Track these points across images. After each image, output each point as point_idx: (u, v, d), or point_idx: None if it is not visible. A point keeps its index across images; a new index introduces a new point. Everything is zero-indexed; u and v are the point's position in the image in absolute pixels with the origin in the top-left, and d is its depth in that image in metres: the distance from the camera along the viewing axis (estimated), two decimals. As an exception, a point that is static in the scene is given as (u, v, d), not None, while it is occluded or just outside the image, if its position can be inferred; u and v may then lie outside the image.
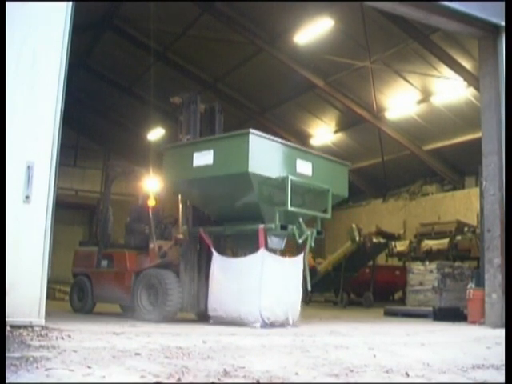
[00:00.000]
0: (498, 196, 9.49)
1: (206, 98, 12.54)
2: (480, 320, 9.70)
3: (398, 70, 17.57)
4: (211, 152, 8.17)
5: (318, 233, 9.00)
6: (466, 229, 17.29)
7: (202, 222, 9.17)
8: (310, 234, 8.74)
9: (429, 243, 18.09)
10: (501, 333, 7.53)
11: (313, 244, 8.85)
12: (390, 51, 16.57)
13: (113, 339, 5.39)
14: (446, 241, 17.50)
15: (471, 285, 10.68)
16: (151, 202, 10.40)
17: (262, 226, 8.26)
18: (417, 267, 13.71)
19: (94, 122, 27.65)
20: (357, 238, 17.07)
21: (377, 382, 3.69)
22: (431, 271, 13.03)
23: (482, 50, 10.40)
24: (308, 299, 17.50)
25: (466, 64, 15.82)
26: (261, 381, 3.46)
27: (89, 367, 3.62)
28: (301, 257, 8.92)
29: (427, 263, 13.83)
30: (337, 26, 15.76)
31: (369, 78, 18.03)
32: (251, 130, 7.89)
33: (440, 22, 10.25)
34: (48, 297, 6.57)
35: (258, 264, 8.21)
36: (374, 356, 4.83)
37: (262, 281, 8.16)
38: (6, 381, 3.05)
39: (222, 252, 8.91)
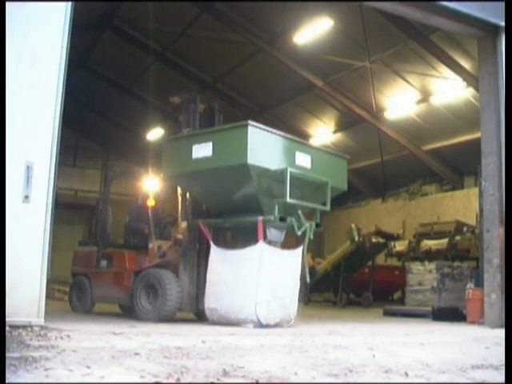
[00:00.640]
0: (497, 196, 9.49)
1: (206, 97, 12.56)
2: (479, 320, 9.70)
3: (398, 70, 17.58)
4: (210, 144, 8.18)
5: (317, 225, 9.00)
6: (465, 229, 17.28)
7: (201, 215, 9.17)
8: (309, 226, 8.74)
9: (428, 243, 18.08)
10: (500, 333, 7.54)
11: (312, 236, 8.83)
12: (390, 51, 16.57)
13: (112, 339, 5.39)
14: (445, 241, 17.50)
15: (470, 285, 10.68)
16: (150, 202, 10.40)
17: (260, 218, 8.27)
18: (416, 267, 13.71)
19: (93, 122, 27.65)
20: (356, 238, 17.09)
21: (376, 382, 3.69)
22: (430, 271, 13.03)
23: (481, 50, 10.40)
24: (307, 299, 17.51)
25: (466, 64, 15.82)
26: (260, 381, 3.46)
27: (88, 367, 3.62)
28: (300, 249, 8.91)
29: (426, 263, 13.83)
30: (336, 26, 15.76)
31: (368, 78, 18.03)
32: (250, 122, 7.92)
33: (439, 22, 10.25)
34: (47, 297, 6.56)
35: (256, 256, 8.22)
36: (374, 356, 4.83)
37: (259, 273, 8.16)
38: (6, 381, 3.05)
39: (221, 245, 8.90)
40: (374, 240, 17.51)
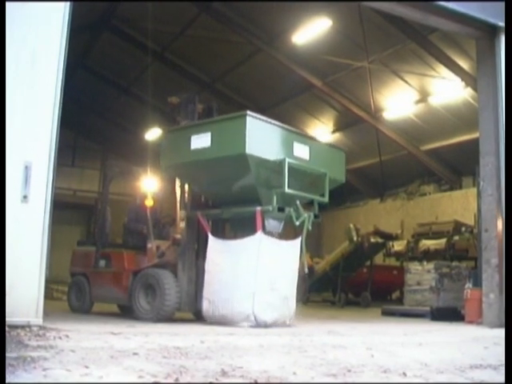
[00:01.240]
0: (495, 196, 9.50)
1: (204, 97, 12.55)
2: (477, 320, 9.71)
3: (396, 70, 17.59)
4: (209, 135, 8.20)
5: (316, 216, 9.01)
6: (463, 229, 17.30)
7: (199, 207, 9.18)
8: (307, 217, 8.75)
9: (426, 243, 18.10)
10: (498, 333, 7.55)
11: (310, 227, 8.84)
12: (388, 51, 16.58)
13: (110, 339, 5.39)
14: (443, 241, 17.51)
15: (469, 285, 10.69)
16: (149, 202, 10.40)
17: (259, 208, 8.28)
18: (414, 267, 13.73)
19: (92, 121, 27.62)
20: (354, 238, 17.11)
21: (374, 382, 3.70)
22: (429, 271, 13.05)
23: (479, 50, 10.41)
24: (306, 299, 17.54)
25: (464, 64, 15.84)
26: (259, 381, 3.46)
27: (86, 367, 3.62)
28: (298, 240, 8.90)
29: (425, 263, 13.85)
30: (335, 27, 15.76)
31: (367, 78, 18.04)
32: (248, 112, 7.94)
33: (438, 22, 10.26)
34: (46, 296, 6.56)
35: (255, 246, 8.22)
36: (372, 356, 4.83)
37: (258, 264, 8.17)
38: (5, 381, 3.05)
39: (219, 237, 8.89)
40: (372, 240, 17.53)
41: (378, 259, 19.37)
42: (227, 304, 8.20)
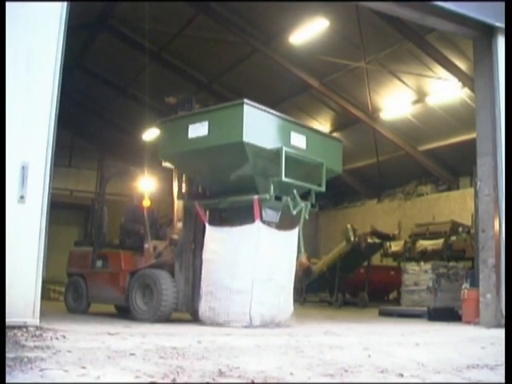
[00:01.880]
0: (492, 196, 9.51)
1: (201, 98, 12.56)
2: (474, 320, 9.72)
3: (393, 71, 17.59)
4: (206, 123, 8.22)
5: (312, 206, 9.02)
6: (460, 229, 17.32)
7: (197, 197, 9.18)
8: (304, 206, 8.75)
9: (423, 243, 18.11)
10: (495, 333, 7.57)
11: (307, 216, 8.86)
12: (385, 52, 16.59)
13: (107, 339, 5.38)
14: (440, 241, 17.52)
15: (466, 285, 10.71)
16: (146, 203, 10.40)
17: (256, 197, 8.29)
18: (411, 267, 13.75)
19: (89, 122, 27.58)
20: (352, 239, 17.12)
21: (371, 382, 3.70)
22: (426, 271, 13.07)
23: (476, 50, 10.42)
24: (303, 299, 17.54)
25: (461, 65, 15.85)
26: (256, 381, 3.46)
27: (83, 367, 3.62)
28: (296, 230, 8.91)
29: (422, 263, 13.88)
30: (332, 27, 15.76)
31: (364, 79, 18.05)
32: (245, 100, 7.96)
33: (435, 22, 10.27)
34: (43, 297, 6.55)
35: (253, 235, 8.23)
36: (369, 356, 4.83)
37: (256, 253, 8.17)
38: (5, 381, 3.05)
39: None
40: (369, 240, 17.54)
41: (376, 259, 19.39)
42: (226, 294, 8.19)
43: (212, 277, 8.40)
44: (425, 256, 17.28)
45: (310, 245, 22.70)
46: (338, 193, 24.54)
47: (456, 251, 17.06)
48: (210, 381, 3.42)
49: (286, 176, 8.10)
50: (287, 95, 20.60)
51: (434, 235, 18.11)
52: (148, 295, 9.02)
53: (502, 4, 8.57)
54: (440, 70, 16.44)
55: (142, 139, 24.98)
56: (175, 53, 20.51)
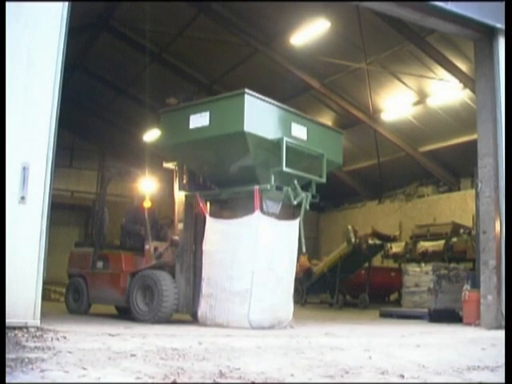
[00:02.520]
0: (493, 198, 9.50)
1: (202, 99, 12.53)
2: (475, 321, 9.71)
3: (394, 72, 17.59)
4: (207, 114, 8.24)
5: (313, 197, 9.02)
6: (461, 230, 17.31)
7: (198, 188, 9.20)
8: (304, 196, 8.75)
9: (424, 245, 18.11)
10: (496, 334, 7.56)
11: (308, 207, 8.87)
12: (386, 53, 16.58)
13: (108, 340, 5.38)
14: (441, 242, 17.52)
15: (467, 286, 10.70)
16: (147, 204, 10.40)
17: (257, 187, 8.31)
18: (412, 269, 13.72)
19: (90, 122, 27.59)
20: (352, 240, 17.09)
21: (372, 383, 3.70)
22: (427, 273, 13.05)
23: (477, 51, 10.42)
24: (304, 301, 17.53)
25: (462, 66, 15.84)
26: (256, 382, 3.46)
27: (84, 368, 3.61)
28: (296, 221, 8.90)
29: (423, 265, 13.85)
30: (333, 28, 15.75)
31: (365, 80, 18.04)
32: (246, 90, 7.96)
33: (436, 23, 10.26)
34: (43, 298, 6.54)
35: (253, 225, 8.24)
36: (370, 357, 4.83)
37: (256, 243, 8.18)
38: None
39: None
40: (370, 241, 17.51)
41: (376, 261, 19.38)
42: (226, 287, 8.20)
43: (212, 268, 8.42)
44: (426, 257, 17.27)
45: (311, 246, 22.71)
46: (339, 194, 24.55)
47: (457, 253, 17.05)
48: (211, 382, 3.42)
49: (286, 167, 8.12)
50: (288, 96, 20.54)
51: (434, 236, 18.10)
52: (149, 296, 9.02)
53: (503, 5, 8.57)
54: (441, 71, 16.44)
55: (143, 140, 24.99)
56: (176, 54, 20.51)
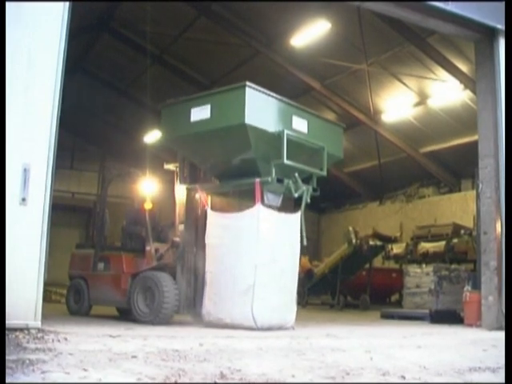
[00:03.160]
0: (494, 198, 9.49)
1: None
2: (476, 322, 9.71)
3: (395, 73, 17.59)
4: (208, 107, 8.27)
5: (314, 190, 9.03)
6: (462, 231, 17.28)
7: (199, 181, 9.22)
8: (305, 189, 8.76)
9: (425, 246, 18.10)
10: (497, 335, 7.55)
11: (309, 200, 8.88)
12: (387, 54, 16.58)
13: (109, 342, 5.38)
14: (442, 243, 17.50)
15: (468, 287, 10.69)
16: (148, 205, 10.39)
17: (258, 180, 8.32)
18: (413, 270, 13.72)
19: (90, 124, 27.59)
20: (353, 241, 17.09)
21: (373, 385, 3.70)
22: (428, 274, 13.04)
23: (478, 52, 10.42)
24: (305, 302, 17.51)
25: (463, 67, 15.84)
26: (257, 383, 3.46)
27: (85, 370, 3.61)
28: (298, 214, 8.91)
29: (424, 266, 13.84)
30: (333, 29, 15.76)
31: (365, 81, 18.04)
32: (247, 83, 7.98)
33: (437, 24, 10.26)
34: (44, 299, 6.54)
35: (254, 218, 8.25)
36: (371, 359, 4.83)
37: (258, 235, 8.18)
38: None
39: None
40: (371, 243, 17.51)
41: (377, 262, 19.36)
42: (228, 279, 8.23)
43: (215, 263, 8.43)
44: (426, 258, 17.26)
45: (312, 247, 22.71)
46: (340, 195, 24.55)
47: (458, 253, 17.04)
48: (212, 383, 3.42)
49: (287, 159, 8.15)
50: (288, 97, 20.31)
51: (435, 237, 18.09)
52: (150, 297, 9.01)
53: (503, 5, 8.58)
54: (441, 72, 16.44)
55: (144, 141, 24.99)
56: (176, 55, 20.52)
